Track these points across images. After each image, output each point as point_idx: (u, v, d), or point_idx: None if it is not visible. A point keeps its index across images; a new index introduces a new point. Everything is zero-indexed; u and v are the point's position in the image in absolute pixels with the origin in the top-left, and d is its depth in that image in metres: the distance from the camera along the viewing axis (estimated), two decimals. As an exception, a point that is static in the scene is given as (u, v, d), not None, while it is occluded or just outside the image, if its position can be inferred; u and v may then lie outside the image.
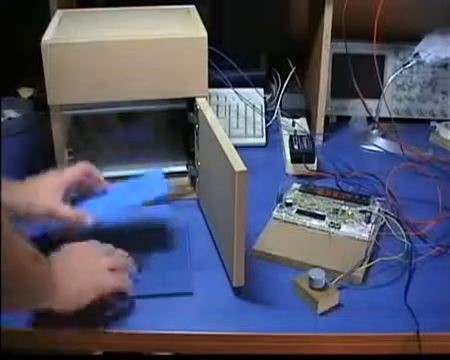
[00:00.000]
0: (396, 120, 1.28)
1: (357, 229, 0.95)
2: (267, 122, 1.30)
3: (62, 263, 0.76)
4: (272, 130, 1.31)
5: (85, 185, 0.92)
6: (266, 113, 1.32)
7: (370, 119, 1.31)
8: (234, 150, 0.80)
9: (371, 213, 0.97)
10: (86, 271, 0.78)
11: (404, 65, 1.24)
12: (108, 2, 1.11)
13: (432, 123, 1.35)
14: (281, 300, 0.83)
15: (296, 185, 1.07)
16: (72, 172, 0.90)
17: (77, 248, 0.81)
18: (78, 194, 0.92)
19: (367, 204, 1.00)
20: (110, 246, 0.84)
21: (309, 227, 0.96)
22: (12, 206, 0.81)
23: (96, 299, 0.77)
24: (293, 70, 1.36)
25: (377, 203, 1.01)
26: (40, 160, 1.13)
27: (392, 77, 1.24)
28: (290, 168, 1.14)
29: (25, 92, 1.40)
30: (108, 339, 0.79)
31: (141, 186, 0.93)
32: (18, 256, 0.66)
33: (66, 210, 0.86)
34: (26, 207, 0.83)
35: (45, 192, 0.85)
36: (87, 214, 0.86)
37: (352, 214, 0.98)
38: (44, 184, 0.86)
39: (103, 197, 0.93)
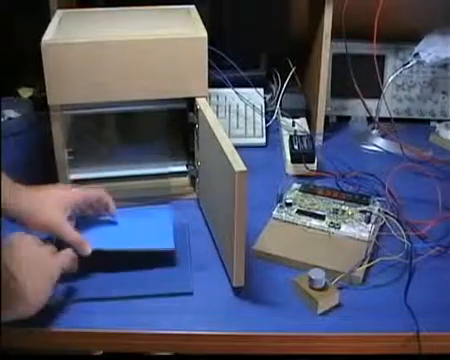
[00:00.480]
0: (396, 120, 1.28)
1: (357, 229, 0.95)
2: (267, 122, 1.30)
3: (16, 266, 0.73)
4: (272, 130, 1.31)
5: (93, 209, 0.91)
6: (266, 113, 1.32)
7: (370, 119, 1.31)
8: (234, 150, 0.80)
9: (371, 213, 0.97)
10: (35, 266, 0.76)
11: (404, 65, 1.24)
12: (108, 2, 1.11)
13: (432, 123, 1.35)
14: (281, 300, 0.83)
15: (296, 185, 1.07)
16: (83, 193, 0.89)
17: (17, 245, 0.77)
18: (85, 215, 0.91)
19: (367, 204, 1.00)
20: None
21: (309, 227, 0.96)
22: (12, 208, 0.81)
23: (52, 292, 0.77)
24: (293, 70, 1.36)
25: (377, 203, 1.01)
26: (40, 160, 1.14)
27: (392, 77, 1.24)
28: (290, 168, 1.14)
29: (25, 92, 1.40)
30: (108, 339, 0.79)
31: (149, 231, 0.91)
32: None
33: (69, 231, 0.84)
34: (28, 216, 0.82)
35: (52, 204, 0.84)
36: (87, 244, 0.84)
37: (352, 214, 0.98)
38: (51, 196, 0.85)
39: (108, 228, 0.91)
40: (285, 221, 0.98)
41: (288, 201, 1.01)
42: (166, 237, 0.89)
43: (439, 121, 1.33)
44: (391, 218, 0.96)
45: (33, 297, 0.74)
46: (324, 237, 0.94)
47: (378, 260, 0.88)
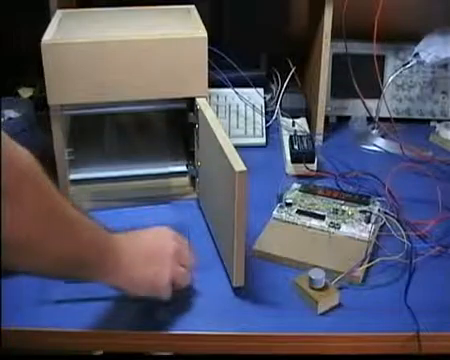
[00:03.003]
0: (396, 120, 1.28)
1: (357, 229, 0.94)
2: (267, 122, 1.30)
3: (130, 244, 0.75)
4: (272, 130, 1.31)
5: None
6: (266, 113, 1.32)
7: (370, 119, 1.31)
8: (234, 150, 0.80)
9: (371, 213, 0.97)
10: (157, 262, 0.76)
11: (404, 65, 1.24)
12: (108, 2, 1.11)
13: (432, 123, 1.35)
14: (281, 300, 0.83)
15: (296, 185, 1.07)
16: None
17: (149, 234, 0.79)
18: None
19: (367, 204, 1.00)
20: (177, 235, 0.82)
21: (309, 227, 0.96)
22: None
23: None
24: (293, 70, 1.36)
25: (377, 203, 1.01)
26: (40, 160, 1.14)
27: (392, 77, 1.24)
28: (290, 168, 1.14)
29: (25, 92, 1.40)
30: (108, 339, 0.79)
31: None
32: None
33: None
34: None
35: None
36: None
37: (352, 214, 0.98)
38: None
39: None
40: (285, 221, 0.98)
41: (288, 201, 1.01)
42: None
43: (439, 121, 1.33)
44: (391, 218, 0.96)
45: (126, 281, 0.73)
46: (324, 237, 0.94)
47: (378, 260, 0.88)
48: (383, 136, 1.27)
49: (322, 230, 0.96)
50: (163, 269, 0.76)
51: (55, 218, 0.63)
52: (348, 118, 1.35)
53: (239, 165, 0.77)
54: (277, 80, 1.40)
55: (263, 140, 1.27)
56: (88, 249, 0.68)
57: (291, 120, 1.27)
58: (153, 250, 0.77)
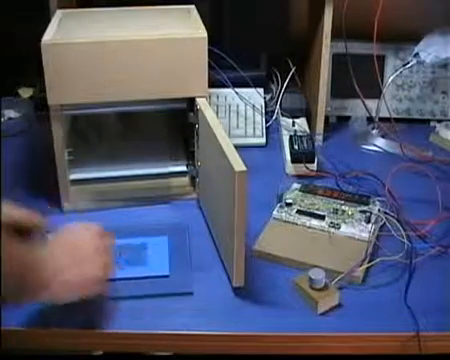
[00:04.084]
0: (396, 120, 1.28)
1: (357, 229, 0.95)
2: (267, 122, 1.30)
3: (53, 250, 0.74)
4: (272, 130, 1.31)
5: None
6: (266, 113, 1.32)
7: (370, 119, 1.31)
8: (234, 150, 0.81)
9: (371, 213, 0.97)
10: (80, 260, 0.75)
11: (404, 65, 1.24)
12: (108, 2, 1.11)
13: (432, 123, 1.35)
14: (281, 300, 0.83)
15: (296, 185, 1.07)
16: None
17: (70, 235, 0.78)
18: None
19: (367, 204, 1.00)
20: (99, 228, 0.80)
21: (309, 227, 0.96)
22: None
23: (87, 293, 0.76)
24: (293, 70, 1.36)
25: (377, 203, 1.01)
26: (40, 160, 1.14)
27: (392, 77, 1.24)
28: (290, 168, 1.14)
29: (25, 92, 1.40)
30: (108, 339, 0.79)
31: (144, 258, 0.89)
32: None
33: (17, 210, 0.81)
34: None
35: None
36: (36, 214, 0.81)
37: (352, 214, 0.98)
38: None
39: None
40: (285, 221, 0.98)
41: (288, 201, 1.01)
42: (162, 264, 0.88)
43: (439, 121, 1.33)
44: (391, 218, 0.96)
45: (59, 288, 0.72)
46: (324, 237, 0.94)
47: (378, 260, 0.88)
48: (383, 136, 1.27)
49: (322, 230, 0.96)
50: (92, 263, 0.75)
51: None
52: (348, 118, 1.35)
53: (239, 165, 0.77)
54: (277, 80, 1.40)
55: (263, 140, 1.27)
56: (17, 268, 0.66)
57: (291, 120, 1.27)
58: (75, 246, 0.76)
